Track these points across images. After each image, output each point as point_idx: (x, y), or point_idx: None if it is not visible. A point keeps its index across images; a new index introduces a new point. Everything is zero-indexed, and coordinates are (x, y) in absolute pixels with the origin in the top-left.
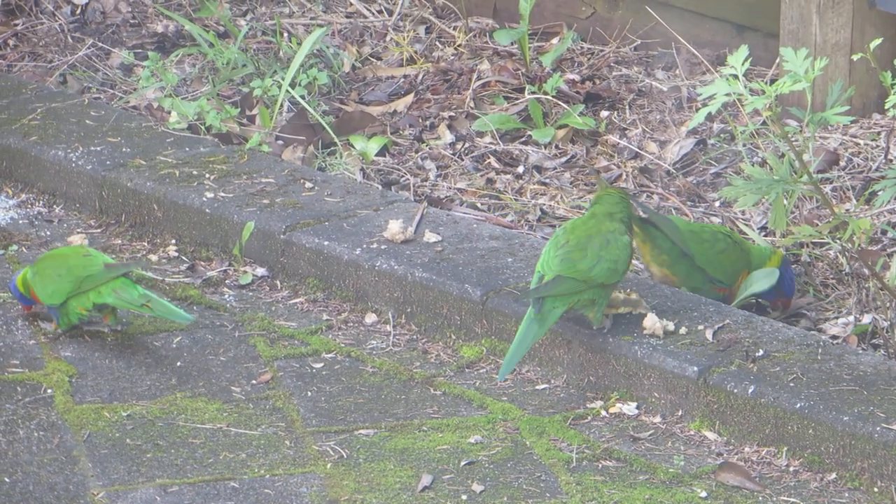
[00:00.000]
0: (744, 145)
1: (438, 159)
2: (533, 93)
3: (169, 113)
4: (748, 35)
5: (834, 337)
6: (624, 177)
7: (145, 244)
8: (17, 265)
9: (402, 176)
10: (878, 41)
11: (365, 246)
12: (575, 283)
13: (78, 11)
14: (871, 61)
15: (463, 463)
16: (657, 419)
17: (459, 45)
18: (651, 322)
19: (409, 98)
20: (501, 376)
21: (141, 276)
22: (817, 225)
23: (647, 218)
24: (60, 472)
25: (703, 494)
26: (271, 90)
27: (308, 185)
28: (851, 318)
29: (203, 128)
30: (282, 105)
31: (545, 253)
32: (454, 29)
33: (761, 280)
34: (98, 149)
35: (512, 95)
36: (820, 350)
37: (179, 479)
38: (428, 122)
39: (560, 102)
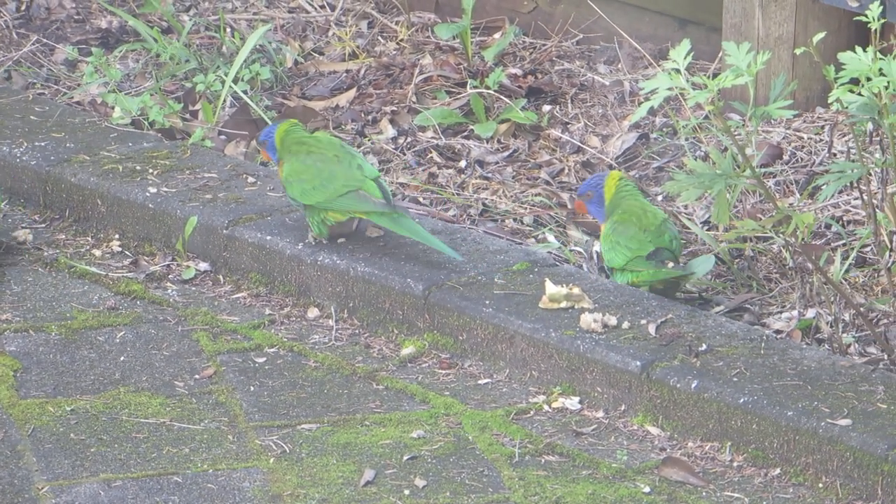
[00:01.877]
0: (686, 139)
1: (381, 154)
2: (475, 87)
3: (112, 108)
4: (690, 29)
5: (778, 332)
6: (566, 171)
7: (89, 239)
8: None
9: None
10: (821, 35)
11: (307, 240)
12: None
13: (23, 7)
14: (814, 55)
15: (405, 458)
16: (600, 414)
17: (401, 40)
18: (587, 321)
19: (352, 93)
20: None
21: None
22: (760, 219)
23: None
24: (5, 466)
25: (647, 490)
26: (214, 85)
27: (251, 179)
28: (795, 313)
29: (146, 123)
30: (224, 100)
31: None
32: (396, 24)
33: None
34: (42, 144)
35: (454, 90)
36: (763, 345)
37: (123, 474)
38: (370, 117)
39: (502, 97)
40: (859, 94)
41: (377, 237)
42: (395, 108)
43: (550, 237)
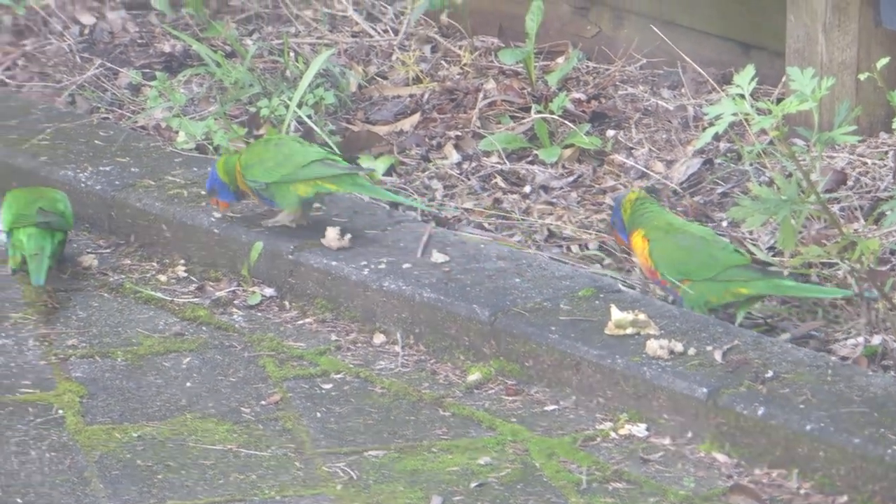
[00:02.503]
0: (751, 165)
1: (445, 179)
2: (539, 112)
3: (177, 133)
4: (754, 54)
5: (843, 358)
6: None
7: (154, 264)
8: (26, 286)
9: (410, 195)
10: (885, 60)
11: (373, 266)
12: None
13: (86, 32)
14: (878, 80)
15: (473, 484)
16: (667, 441)
17: (465, 65)
18: (653, 347)
19: (416, 117)
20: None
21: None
22: (825, 245)
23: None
24: (72, 493)
25: None
26: (278, 110)
27: (315, 204)
28: (861, 340)
29: (211, 147)
30: (289, 125)
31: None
32: (460, 48)
33: None
34: (107, 169)
35: (518, 115)
36: (830, 371)
37: (190, 500)
38: (434, 142)
39: (566, 122)
40: None
41: (443, 262)
42: (460, 133)
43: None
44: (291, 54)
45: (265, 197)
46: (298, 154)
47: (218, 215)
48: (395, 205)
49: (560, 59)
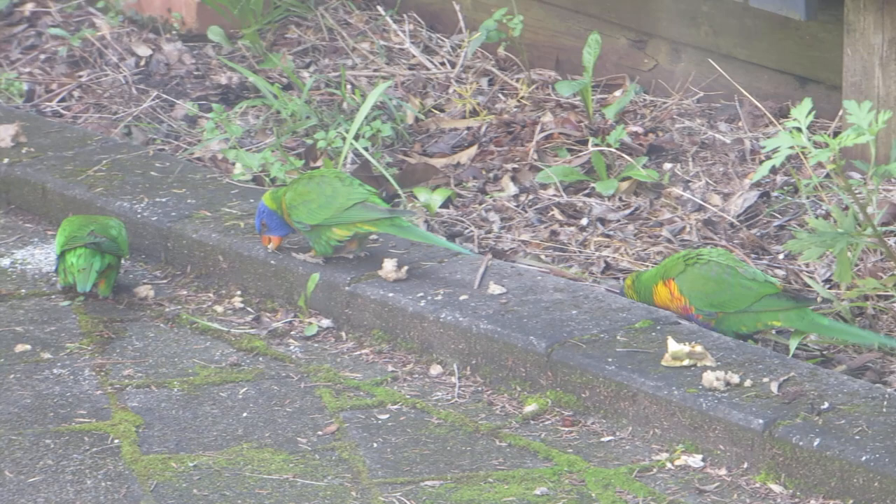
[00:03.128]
0: (807, 198)
1: (502, 211)
2: (596, 145)
3: (233, 164)
4: (810, 87)
5: None
6: (688, 229)
7: (211, 295)
8: (82, 315)
9: (467, 228)
10: None
11: (430, 298)
12: None
13: (142, 63)
14: None
15: None
16: (723, 472)
17: (522, 97)
18: (709, 378)
19: (473, 150)
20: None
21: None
22: (882, 277)
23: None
24: None
25: None
26: (335, 142)
27: (373, 236)
28: None
29: (267, 179)
30: (346, 157)
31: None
32: (517, 81)
33: None
34: (163, 200)
35: (575, 147)
36: (885, 403)
37: None
38: (491, 174)
39: (623, 154)
40: None
41: (499, 293)
42: (517, 166)
43: None
44: (348, 87)
45: (304, 235)
46: (341, 195)
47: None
48: (451, 237)
49: (617, 92)
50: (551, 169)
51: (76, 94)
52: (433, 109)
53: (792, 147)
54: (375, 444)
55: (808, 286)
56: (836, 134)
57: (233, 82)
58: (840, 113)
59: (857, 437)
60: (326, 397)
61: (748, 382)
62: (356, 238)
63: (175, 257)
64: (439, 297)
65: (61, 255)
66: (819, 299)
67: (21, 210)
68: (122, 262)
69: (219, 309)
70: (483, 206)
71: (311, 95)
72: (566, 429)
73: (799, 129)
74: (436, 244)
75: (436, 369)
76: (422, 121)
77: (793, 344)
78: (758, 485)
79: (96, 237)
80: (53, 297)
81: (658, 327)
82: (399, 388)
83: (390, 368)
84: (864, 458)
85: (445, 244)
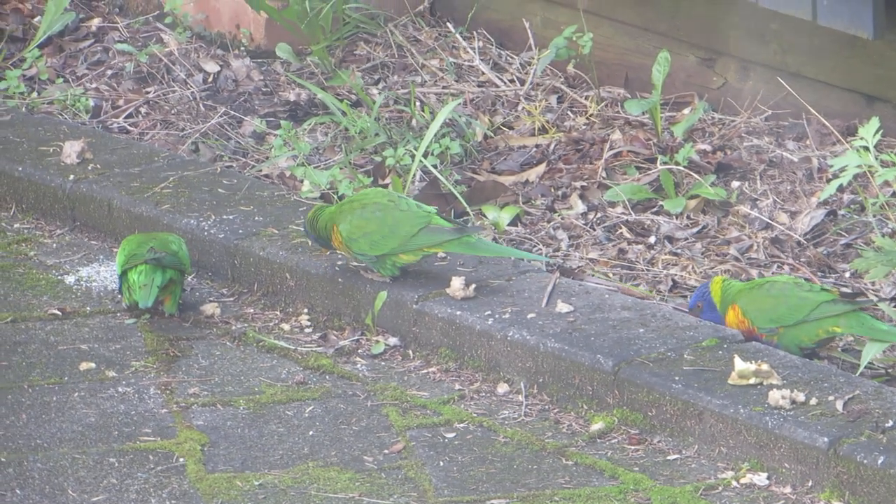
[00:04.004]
0: (874, 216)
1: (570, 229)
2: (665, 163)
3: (301, 182)
4: (878, 106)
5: None
6: (755, 247)
7: (278, 313)
8: (148, 333)
9: (535, 246)
10: None
11: (497, 316)
12: None
13: (210, 79)
14: None
15: None
16: (787, 489)
17: (591, 115)
18: (775, 397)
19: (541, 167)
20: None
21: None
22: None
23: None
24: None
25: None
26: (404, 159)
27: (441, 254)
28: None
29: (336, 196)
30: (414, 174)
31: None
32: (586, 98)
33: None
34: (230, 217)
35: (643, 165)
36: None
37: None
38: (560, 192)
39: (691, 172)
40: None
41: (567, 312)
42: (585, 184)
43: None
44: (417, 104)
45: (368, 263)
46: (405, 223)
47: (342, 264)
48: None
49: (686, 111)
50: (620, 187)
51: (143, 110)
52: (502, 127)
53: (859, 166)
54: (442, 463)
55: (877, 307)
56: None
57: (301, 99)
58: None
59: None
60: (393, 416)
61: (813, 401)
62: (423, 259)
63: (242, 275)
64: (507, 316)
65: (123, 275)
66: (876, 301)
67: (87, 227)
68: (188, 279)
69: (285, 327)
70: (551, 223)
71: (379, 112)
72: (632, 447)
73: (866, 148)
74: (507, 255)
75: (503, 387)
76: (490, 138)
77: (866, 355)
78: (822, 503)
79: (156, 253)
80: (119, 314)
81: (725, 346)
82: (466, 406)
83: (457, 387)
84: None
85: (518, 254)
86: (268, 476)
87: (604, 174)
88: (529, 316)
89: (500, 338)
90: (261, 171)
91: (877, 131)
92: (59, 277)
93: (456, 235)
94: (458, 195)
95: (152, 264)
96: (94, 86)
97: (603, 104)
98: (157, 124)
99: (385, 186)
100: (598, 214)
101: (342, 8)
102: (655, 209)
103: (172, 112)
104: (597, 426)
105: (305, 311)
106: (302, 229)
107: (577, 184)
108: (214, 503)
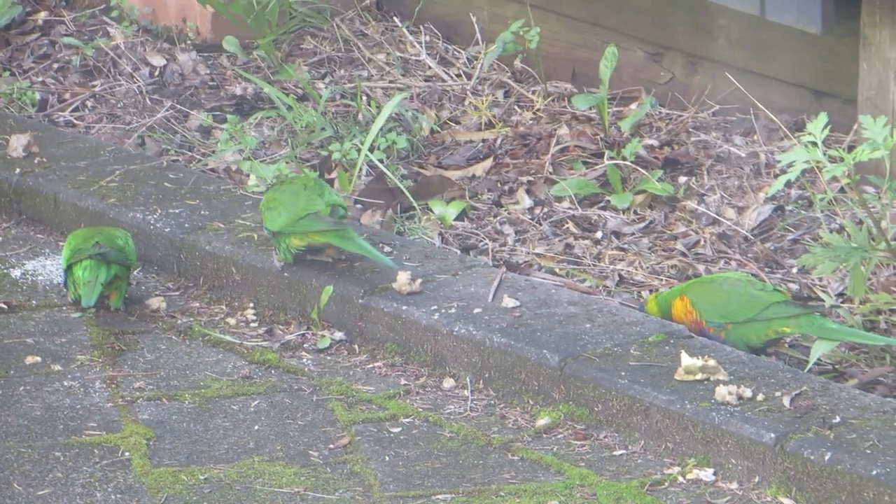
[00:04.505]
0: (822, 212)
1: (517, 224)
2: (612, 158)
3: (248, 176)
4: (826, 101)
5: None
6: (702, 243)
7: (223, 307)
8: (93, 327)
9: (481, 241)
10: None
11: (443, 311)
12: None
13: (156, 73)
14: None
15: None
16: (734, 485)
17: (538, 110)
18: (722, 393)
19: (488, 162)
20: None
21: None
22: (895, 292)
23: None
24: None
25: None
26: (350, 153)
27: (387, 249)
28: None
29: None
30: (361, 169)
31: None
32: (533, 93)
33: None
34: (176, 211)
35: (590, 160)
36: None
37: None
38: (507, 187)
39: (638, 168)
40: None
41: (513, 307)
42: (532, 179)
43: None
44: (364, 98)
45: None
46: (297, 205)
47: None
48: (466, 250)
49: (633, 105)
50: (566, 182)
51: (89, 103)
52: (449, 121)
53: (807, 161)
54: (387, 458)
55: (822, 301)
56: (850, 148)
57: (248, 93)
58: (855, 127)
59: (868, 452)
60: (339, 410)
61: (760, 396)
62: (313, 249)
63: (188, 269)
64: (453, 310)
65: (69, 269)
66: (828, 307)
67: (33, 221)
68: (134, 273)
69: (231, 321)
70: (498, 218)
71: (326, 107)
72: (578, 442)
73: (814, 144)
74: (369, 255)
75: (448, 382)
76: (437, 133)
77: (815, 352)
78: (769, 499)
79: (101, 248)
80: (65, 308)
81: (671, 341)
82: (412, 401)
83: (403, 381)
84: (874, 473)
85: (380, 257)
86: (213, 470)
87: (550, 169)
88: (476, 311)
89: (447, 333)
90: (207, 165)
91: (825, 127)
92: (5, 271)
93: (333, 227)
94: (404, 190)
95: (97, 259)
96: (40, 79)
97: (550, 99)
98: (104, 118)
99: (331, 181)
100: (545, 209)
101: (289, 2)
102: (602, 204)
103: (119, 106)
104: (543, 421)
105: (251, 305)
106: (250, 223)
107: (524, 179)
108: (160, 497)
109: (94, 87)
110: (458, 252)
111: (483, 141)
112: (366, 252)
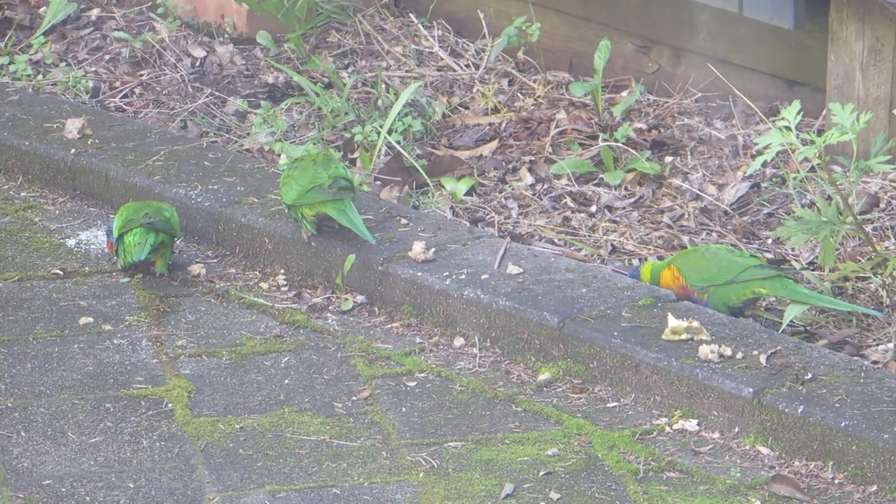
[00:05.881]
0: (795, 189)
1: (520, 199)
2: (605, 140)
3: (279, 155)
4: (797, 89)
5: (875, 362)
6: (686, 216)
7: (257, 273)
8: (140, 291)
9: (488, 214)
10: None
11: (454, 277)
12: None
13: (197, 64)
14: None
15: (541, 473)
16: (716, 435)
17: (539, 97)
18: (704, 351)
19: (494, 144)
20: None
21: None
22: (860, 261)
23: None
24: (180, 478)
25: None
26: (370, 136)
27: (403, 221)
28: (891, 346)
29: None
30: (380, 150)
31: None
32: (534, 82)
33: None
34: (215, 187)
35: (586, 142)
36: (863, 374)
37: (287, 486)
38: (511, 166)
39: (629, 149)
40: None
41: (517, 273)
42: (533, 158)
43: None
44: (383, 86)
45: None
46: (306, 178)
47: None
48: (474, 222)
49: (624, 93)
50: (564, 161)
51: (137, 91)
52: (459, 107)
53: (781, 144)
54: (404, 409)
55: (794, 267)
56: (820, 132)
57: (279, 81)
58: (824, 113)
59: (837, 405)
60: (360, 366)
61: (739, 355)
62: (321, 218)
63: (225, 239)
64: (463, 276)
65: (119, 238)
66: (798, 269)
67: (86, 196)
68: (177, 242)
69: (264, 286)
70: (503, 194)
71: (349, 94)
72: (575, 395)
73: (788, 128)
74: (357, 230)
75: (459, 341)
76: (449, 117)
77: (788, 314)
78: (747, 447)
79: (151, 218)
80: (114, 274)
81: (659, 304)
82: (426, 358)
83: (418, 340)
84: (843, 424)
85: (364, 233)
86: (248, 420)
87: (550, 150)
88: (483, 277)
89: (457, 296)
90: (242, 146)
91: (798, 113)
92: (61, 241)
93: (330, 197)
94: (419, 168)
95: (147, 228)
96: (93, 69)
97: (549, 87)
98: (150, 104)
99: (353, 160)
100: (545, 186)
101: (315, 0)
102: (596, 181)
103: (163, 93)
104: (543, 376)
105: (282, 271)
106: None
107: (526, 158)
108: (200, 444)
109: (141, 76)
110: (468, 224)
111: (489, 124)
112: (352, 226)
